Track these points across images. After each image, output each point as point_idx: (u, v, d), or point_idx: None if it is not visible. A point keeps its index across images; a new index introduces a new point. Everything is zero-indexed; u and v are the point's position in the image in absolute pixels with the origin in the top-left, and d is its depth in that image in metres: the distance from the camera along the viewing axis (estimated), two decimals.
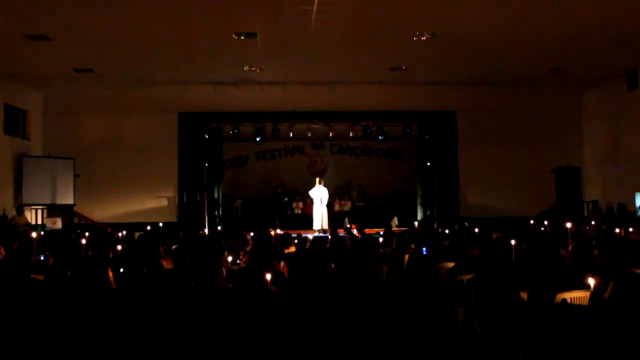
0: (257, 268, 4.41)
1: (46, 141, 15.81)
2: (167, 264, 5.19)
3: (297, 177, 18.18)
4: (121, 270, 5.06)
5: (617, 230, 8.84)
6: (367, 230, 12.58)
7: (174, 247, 6.52)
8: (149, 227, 11.77)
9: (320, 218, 15.59)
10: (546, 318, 3.61)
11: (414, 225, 16.41)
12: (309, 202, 17.32)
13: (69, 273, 4.67)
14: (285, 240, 8.50)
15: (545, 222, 10.78)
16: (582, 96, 16.71)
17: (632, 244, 6.56)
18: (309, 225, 15.70)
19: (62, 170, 15.31)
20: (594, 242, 6.81)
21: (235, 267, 5.57)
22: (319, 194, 15.66)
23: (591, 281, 4.27)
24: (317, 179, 16.03)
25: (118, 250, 6.98)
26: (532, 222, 11.53)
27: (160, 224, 12.76)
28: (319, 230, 15.19)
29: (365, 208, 17.43)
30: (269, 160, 18.41)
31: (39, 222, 14.76)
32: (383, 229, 12.34)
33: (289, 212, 17.41)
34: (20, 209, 13.57)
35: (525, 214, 15.18)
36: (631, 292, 3.56)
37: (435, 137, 16.21)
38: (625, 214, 13.56)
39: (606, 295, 3.76)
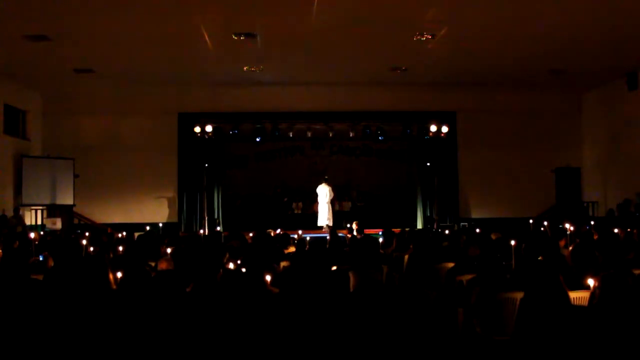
0: (256, 269, 4.41)
1: (46, 141, 15.81)
2: (166, 265, 5.19)
3: (297, 177, 18.16)
4: (121, 271, 5.05)
5: (616, 230, 8.82)
6: (367, 231, 12.58)
7: (170, 249, 6.50)
8: (148, 227, 11.77)
9: (324, 215, 15.83)
10: (547, 317, 3.61)
11: (413, 225, 16.41)
12: (309, 202, 17.38)
13: (69, 274, 4.67)
14: (284, 240, 8.50)
15: (545, 223, 10.74)
16: (582, 96, 16.71)
17: (634, 244, 6.56)
18: (309, 225, 15.70)
19: (62, 170, 15.31)
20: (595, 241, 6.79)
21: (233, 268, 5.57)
22: (323, 192, 15.88)
23: (591, 281, 4.27)
24: (326, 177, 16.27)
25: (119, 250, 6.98)
26: (531, 221, 11.48)
27: (160, 224, 12.76)
28: (326, 227, 15.31)
29: (365, 208, 17.44)
30: (269, 160, 18.39)
31: (39, 222, 14.77)
32: (382, 229, 12.33)
33: (289, 212, 17.41)
34: (16, 209, 13.56)
35: (525, 214, 15.17)
36: (617, 293, 3.56)
37: (435, 137, 16.21)
38: (625, 214, 13.54)
39: (595, 296, 3.77)
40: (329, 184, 16.05)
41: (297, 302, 4.08)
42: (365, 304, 5.23)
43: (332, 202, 16.29)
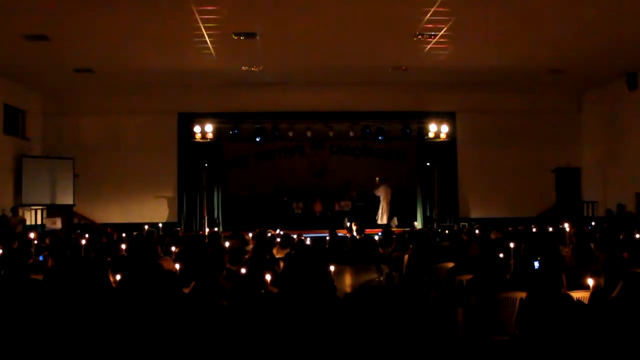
0: (258, 270, 4.42)
1: (46, 141, 15.81)
2: (166, 264, 5.19)
3: (296, 177, 18.16)
4: (121, 271, 5.05)
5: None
6: (367, 231, 12.60)
7: (174, 249, 6.50)
8: (146, 227, 11.75)
9: (379, 214, 16.95)
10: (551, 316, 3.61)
11: (413, 225, 16.40)
12: (309, 202, 17.44)
13: (68, 274, 4.67)
14: (285, 240, 8.50)
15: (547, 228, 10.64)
16: (582, 96, 16.71)
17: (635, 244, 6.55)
18: (309, 225, 15.74)
19: (62, 170, 15.31)
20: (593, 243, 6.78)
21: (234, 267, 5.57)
22: (382, 192, 16.97)
23: (590, 281, 4.27)
24: (377, 179, 17.04)
25: (120, 250, 6.97)
26: (534, 229, 11.38)
27: (160, 224, 12.75)
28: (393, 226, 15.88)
29: (365, 208, 17.45)
30: (269, 160, 18.39)
31: (39, 222, 14.76)
32: (382, 229, 12.34)
33: (289, 213, 17.41)
34: (15, 209, 13.54)
35: (525, 214, 15.20)
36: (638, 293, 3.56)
37: (435, 137, 16.21)
38: (624, 214, 13.54)
39: (614, 294, 3.76)
40: (388, 184, 16.87)
41: (296, 302, 4.08)
42: (365, 304, 5.24)
43: (331, 203, 16.76)
